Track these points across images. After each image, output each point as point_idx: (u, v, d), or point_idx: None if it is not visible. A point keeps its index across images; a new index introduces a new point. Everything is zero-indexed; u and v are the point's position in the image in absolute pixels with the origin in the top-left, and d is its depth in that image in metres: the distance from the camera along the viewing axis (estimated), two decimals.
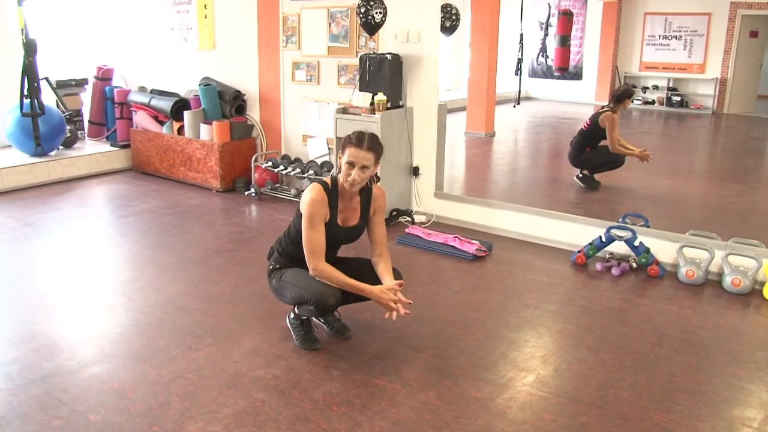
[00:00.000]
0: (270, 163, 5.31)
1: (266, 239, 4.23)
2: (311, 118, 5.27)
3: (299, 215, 2.61)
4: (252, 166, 5.41)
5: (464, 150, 7.99)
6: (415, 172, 4.74)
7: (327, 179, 2.61)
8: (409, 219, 4.68)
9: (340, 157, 2.56)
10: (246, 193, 5.37)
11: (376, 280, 2.63)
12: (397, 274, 2.70)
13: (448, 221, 4.69)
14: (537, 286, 3.54)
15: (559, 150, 7.42)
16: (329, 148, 5.17)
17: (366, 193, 2.68)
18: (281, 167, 5.22)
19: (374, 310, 3.11)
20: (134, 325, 2.98)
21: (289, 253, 2.72)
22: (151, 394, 2.41)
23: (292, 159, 5.33)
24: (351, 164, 2.49)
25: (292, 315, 2.83)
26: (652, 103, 10.80)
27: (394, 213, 4.68)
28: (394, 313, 2.49)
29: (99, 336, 2.88)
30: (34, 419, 2.26)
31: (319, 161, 5.14)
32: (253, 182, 5.38)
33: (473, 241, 4.07)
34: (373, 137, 2.52)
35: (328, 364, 2.63)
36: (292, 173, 5.13)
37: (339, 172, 2.58)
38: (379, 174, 2.69)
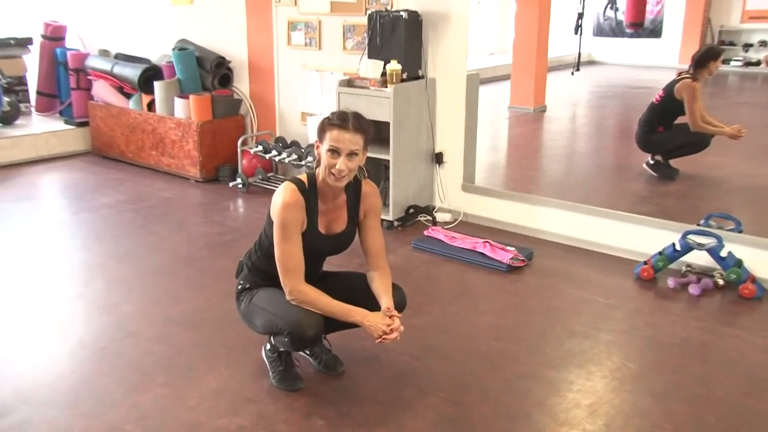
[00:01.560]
0: (261, 148, 5.24)
1: (250, 243, 4.10)
2: (311, 92, 5.18)
3: (270, 223, 2.51)
4: (239, 150, 5.36)
5: (507, 129, 7.80)
6: (438, 159, 4.62)
7: (302, 176, 2.52)
8: (430, 218, 4.56)
9: (318, 146, 2.46)
10: (231, 183, 5.33)
11: (372, 301, 2.52)
12: (399, 295, 2.59)
13: (479, 221, 4.57)
14: (588, 307, 3.38)
15: (627, 129, 7.13)
16: None
17: (354, 190, 2.57)
18: (274, 152, 5.15)
19: (374, 338, 2.98)
20: (67, 359, 2.89)
21: (261, 270, 2.63)
22: None
23: (289, 142, 5.25)
24: (335, 151, 2.39)
25: (269, 346, 2.75)
26: (757, 63, 10.29)
27: (412, 211, 4.56)
28: (383, 339, 2.43)
29: (18, 375, 2.77)
30: None
31: None
32: (240, 171, 5.33)
33: (508, 248, 3.95)
34: (359, 115, 2.45)
35: (311, 410, 2.52)
36: (288, 160, 5.04)
37: (318, 165, 2.48)
38: (366, 167, 2.57)
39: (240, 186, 5.27)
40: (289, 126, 5.43)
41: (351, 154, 2.39)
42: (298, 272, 2.43)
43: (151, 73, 5.79)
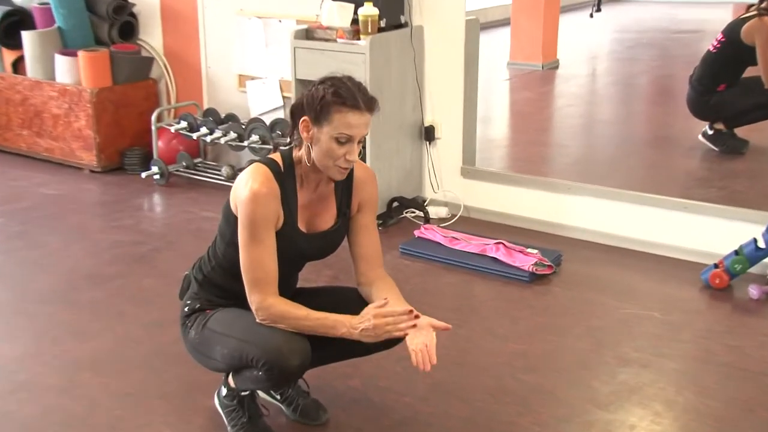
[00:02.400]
0: (184, 124, 5.23)
1: (180, 255, 4.15)
2: (252, 46, 5.18)
3: (231, 220, 2.53)
4: (153, 128, 5.33)
5: (508, 93, 7.91)
6: (429, 135, 4.67)
7: (275, 156, 2.54)
8: (420, 214, 4.61)
9: (308, 127, 2.45)
10: (144, 174, 5.31)
11: None
12: None
13: (485, 216, 4.62)
14: (643, 326, 3.45)
15: (670, 88, 7.31)
16: (284, 97, 5.07)
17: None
18: (204, 130, 5.15)
19: (365, 375, 3.02)
20: None
21: (216, 285, 2.65)
22: None
23: (222, 116, 5.25)
24: (346, 139, 2.42)
25: (225, 390, 2.74)
26: None
27: (395, 205, 4.60)
28: (420, 359, 2.35)
29: None
30: None
31: (267, 119, 5.06)
32: (155, 156, 5.31)
33: (529, 250, 4.02)
34: (362, 86, 2.48)
35: None
36: (224, 140, 5.05)
37: (299, 146, 2.50)
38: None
39: (157, 177, 5.24)
40: (221, 94, 5.40)
41: (361, 139, 2.46)
42: (270, 284, 2.46)
43: (16, 19, 5.66)
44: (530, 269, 3.87)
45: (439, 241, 4.23)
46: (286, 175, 2.51)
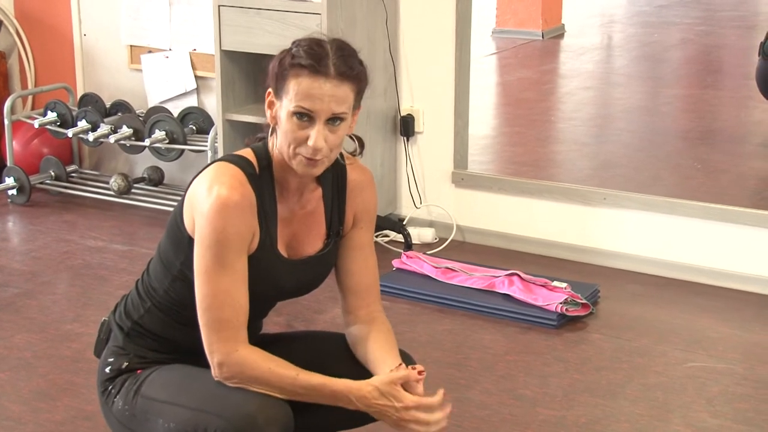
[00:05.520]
0: (53, 116, 5.27)
1: (60, 299, 4.22)
2: (149, 7, 5.23)
3: (183, 241, 2.56)
4: (6, 122, 5.35)
5: (496, 72, 7.96)
6: (407, 128, 4.79)
7: (246, 153, 2.58)
8: (398, 238, 4.72)
9: (271, 102, 2.53)
10: None
11: (362, 376, 2.57)
12: (408, 362, 2.65)
13: (486, 239, 4.74)
14: (721, 383, 3.54)
15: (723, 62, 7.44)
16: (198, 78, 5.18)
17: (335, 177, 2.69)
18: (83, 124, 5.19)
19: None
20: None
21: (152, 334, 2.68)
22: None
23: (108, 105, 5.32)
24: (305, 115, 2.45)
25: None
26: None
27: None
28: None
29: None
30: None
31: (174, 109, 5.15)
32: (9, 163, 5.33)
33: (555, 284, 4.10)
34: (345, 46, 2.51)
35: None
36: (113, 139, 5.06)
37: (272, 132, 2.56)
38: (356, 134, 2.66)
39: (13, 192, 5.26)
40: (104, 74, 5.47)
41: (334, 120, 2.46)
42: (239, 328, 2.48)
43: None
44: (558, 309, 3.93)
45: (428, 273, 4.28)
46: (262, 180, 2.54)
